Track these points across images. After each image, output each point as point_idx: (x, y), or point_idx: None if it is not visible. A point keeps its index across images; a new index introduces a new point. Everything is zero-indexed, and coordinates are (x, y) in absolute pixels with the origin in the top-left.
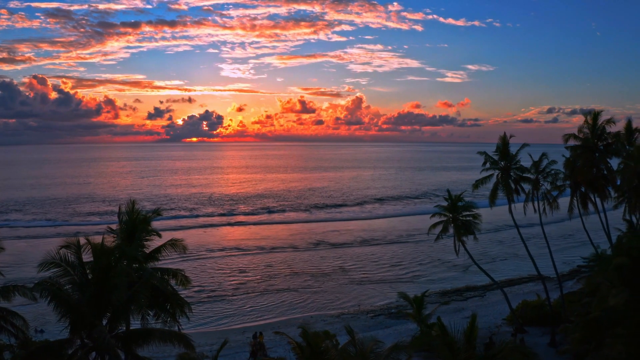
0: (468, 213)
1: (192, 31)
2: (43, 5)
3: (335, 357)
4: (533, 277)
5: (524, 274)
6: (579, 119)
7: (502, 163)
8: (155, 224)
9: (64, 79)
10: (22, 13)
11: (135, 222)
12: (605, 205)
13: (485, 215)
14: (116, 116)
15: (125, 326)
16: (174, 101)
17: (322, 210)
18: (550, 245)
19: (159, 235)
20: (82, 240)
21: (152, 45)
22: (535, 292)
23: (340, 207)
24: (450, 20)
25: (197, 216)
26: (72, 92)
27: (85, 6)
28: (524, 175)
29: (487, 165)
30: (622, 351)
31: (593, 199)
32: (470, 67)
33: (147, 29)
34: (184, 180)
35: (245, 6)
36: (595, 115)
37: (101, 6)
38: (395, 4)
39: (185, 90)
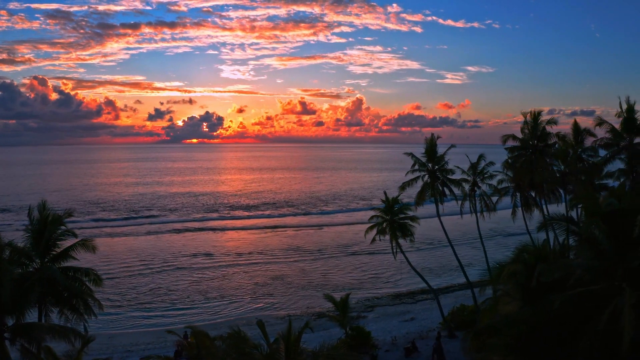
0: (405, 215)
1: (192, 32)
2: (43, 6)
3: (212, 353)
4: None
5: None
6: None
7: (429, 165)
8: (145, 228)
9: (64, 80)
10: (22, 14)
11: (46, 222)
12: (559, 207)
13: (469, 221)
14: (116, 117)
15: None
16: (174, 102)
17: (306, 215)
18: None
19: (75, 235)
20: None
21: (152, 46)
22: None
23: (325, 213)
24: (450, 22)
25: (181, 221)
26: (72, 93)
27: (85, 7)
28: (451, 177)
29: (416, 167)
30: None
31: (539, 201)
32: (470, 68)
33: (146, 30)
34: (178, 181)
35: (244, 7)
36: (536, 115)
37: (101, 7)
38: (394, 5)
39: (185, 91)
